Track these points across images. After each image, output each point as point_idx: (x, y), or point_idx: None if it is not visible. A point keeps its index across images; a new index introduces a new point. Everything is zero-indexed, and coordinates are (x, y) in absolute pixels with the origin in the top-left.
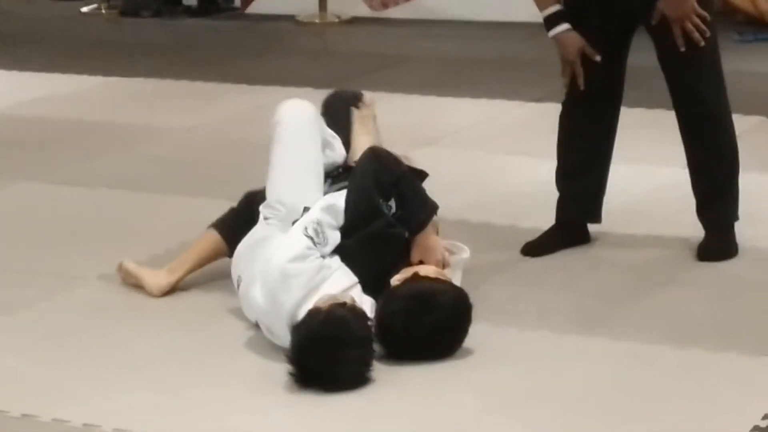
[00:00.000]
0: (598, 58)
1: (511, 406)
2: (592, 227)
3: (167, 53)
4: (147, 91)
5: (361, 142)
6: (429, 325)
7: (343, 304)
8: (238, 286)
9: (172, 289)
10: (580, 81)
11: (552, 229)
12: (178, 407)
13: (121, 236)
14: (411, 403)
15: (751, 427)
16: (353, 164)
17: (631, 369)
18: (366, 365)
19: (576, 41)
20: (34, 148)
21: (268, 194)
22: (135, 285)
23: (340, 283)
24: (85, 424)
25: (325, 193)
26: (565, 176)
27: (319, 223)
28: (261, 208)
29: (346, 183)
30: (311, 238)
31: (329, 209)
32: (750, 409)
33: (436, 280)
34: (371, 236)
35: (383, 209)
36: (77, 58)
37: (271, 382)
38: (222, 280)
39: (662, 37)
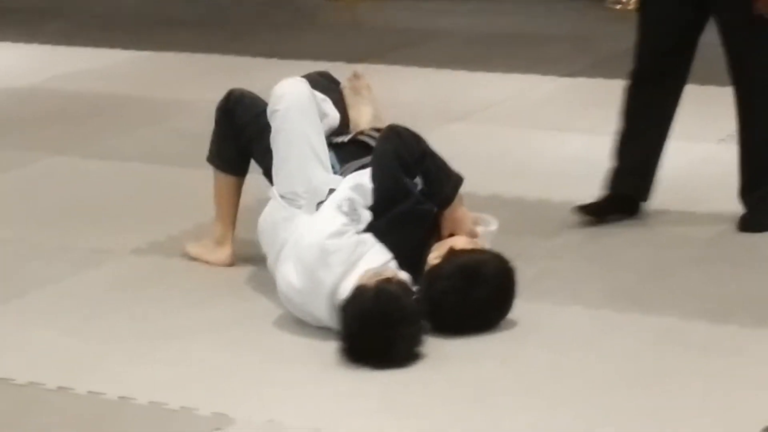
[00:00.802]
0: None
1: (543, 382)
2: None
3: (198, 27)
4: (177, 65)
5: (363, 113)
6: (481, 299)
7: (390, 280)
8: (268, 258)
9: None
10: None
11: (605, 198)
12: (212, 381)
13: (152, 210)
14: (444, 376)
15: None
16: (359, 135)
17: (664, 345)
18: (418, 341)
19: None
20: (65, 122)
21: (280, 184)
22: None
23: (377, 259)
24: (120, 397)
25: (333, 167)
26: (620, 150)
27: (351, 200)
28: (276, 192)
29: (359, 161)
30: (347, 215)
31: (358, 188)
32: None
33: (473, 251)
34: (402, 215)
35: (411, 187)
36: (108, 32)
37: (305, 355)
38: (254, 253)
39: (730, 13)
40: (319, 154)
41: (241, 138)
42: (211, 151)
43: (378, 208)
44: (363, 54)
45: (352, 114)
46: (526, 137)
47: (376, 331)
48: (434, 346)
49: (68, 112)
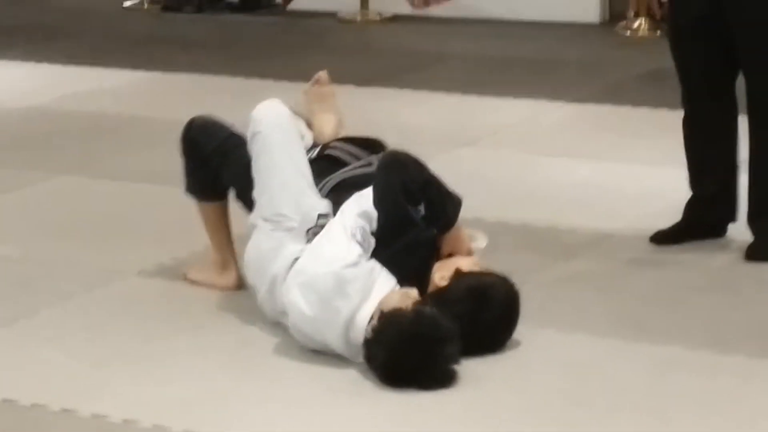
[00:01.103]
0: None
1: (548, 408)
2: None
3: (208, 49)
4: (188, 86)
5: (326, 121)
6: (491, 321)
7: (422, 303)
8: (257, 293)
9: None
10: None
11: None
12: (216, 404)
13: (161, 232)
14: (450, 400)
15: None
16: (327, 150)
17: (670, 374)
18: (457, 360)
19: None
20: (73, 142)
21: (264, 207)
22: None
23: (387, 285)
24: (124, 420)
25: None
26: (692, 180)
27: (363, 229)
28: (256, 219)
29: (334, 176)
30: (360, 244)
31: (364, 215)
32: None
33: (481, 273)
34: (407, 246)
35: (415, 217)
36: (119, 52)
37: (309, 380)
38: None
39: (750, 40)
40: (304, 175)
41: (209, 165)
42: (186, 183)
43: (383, 238)
44: (372, 77)
45: (316, 122)
46: (534, 163)
47: (417, 352)
48: None
49: (76, 132)
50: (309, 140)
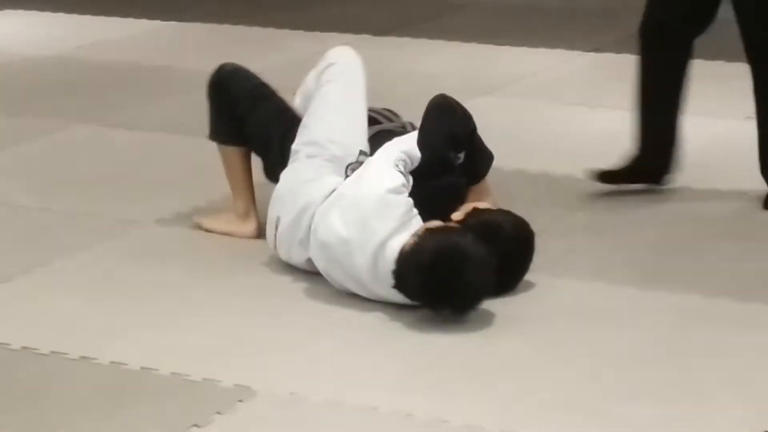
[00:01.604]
0: None
1: (567, 357)
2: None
3: None
4: (204, 35)
5: None
6: (502, 251)
7: (459, 227)
8: (276, 227)
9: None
10: None
11: (627, 167)
12: (234, 350)
13: (177, 181)
14: (467, 351)
15: None
16: (370, 112)
17: (688, 322)
18: (490, 287)
19: None
20: (92, 91)
21: (314, 131)
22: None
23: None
24: (142, 368)
25: None
26: (642, 127)
27: (406, 162)
28: (300, 145)
29: (371, 129)
30: (403, 174)
31: (409, 154)
32: None
33: (496, 211)
34: (440, 188)
35: (455, 163)
36: (135, 2)
37: (327, 327)
38: None
39: None
40: (362, 117)
41: (236, 111)
42: (211, 128)
43: (420, 177)
44: (389, 26)
45: None
46: (552, 112)
47: (457, 264)
48: (458, 321)
49: (94, 81)
50: None
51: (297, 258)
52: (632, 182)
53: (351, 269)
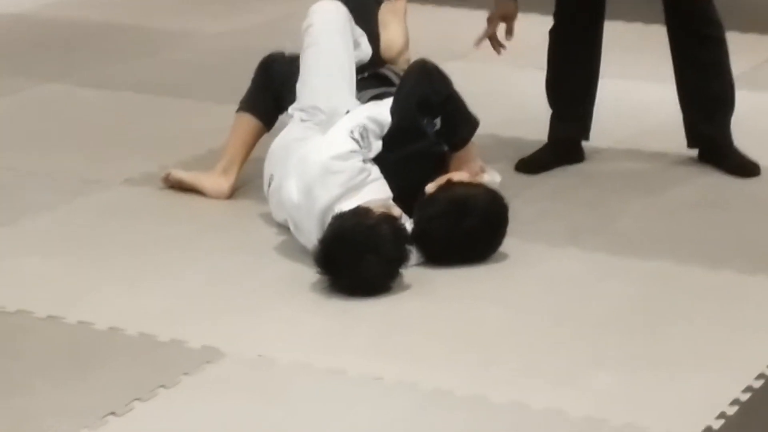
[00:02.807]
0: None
1: (538, 321)
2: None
3: None
4: None
5: (396, 35)
6: (467, 228)
7: (393, 219)
8: (269, 185)
9: (199, 192)
10: (495, 45)
11: (546, 147)
12: (202, 312)
13: (147, 141)
14: (437, 315)
15: None
16: (380, 69)
17: (659, 289)
18: (386, 281)
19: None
20: (60, 49)
21: (302, 97)
22: (188, 190)
23: (378, 193)
24: (110, 328)
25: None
26: (556, 95)
27: (365, 128)
28: (293, 109)
29: (377, 90)
30: (357, 141)
31: (375, 120)
32: None
33: (469, 184)
34: (412, 154)
35: (427, 129)
36: None
37: (297, 288)
38: (248, 184)
39: None
40: (346, 75)
41: (275, 92)
42: (241, 100)
43: (390, 143)
44: None
45: (385, 35)
46: (525, 77)
47: (346, 254)
48: (427, 284)
49: (63, 40)
50: (365, 55)
51: (281, 217)
52: (557, 164)
53: (306, 233)
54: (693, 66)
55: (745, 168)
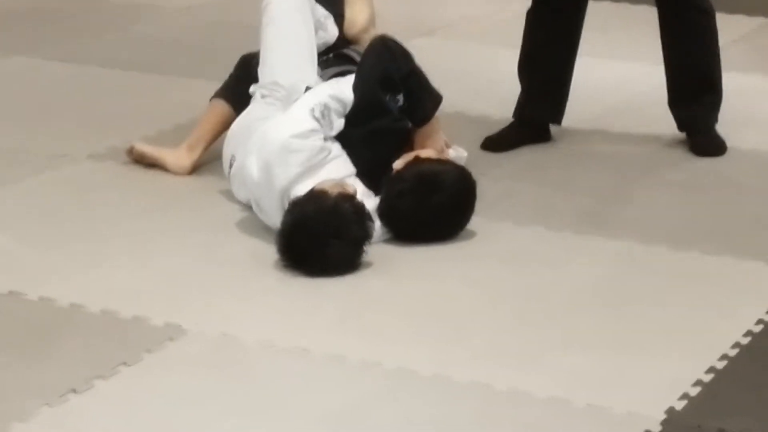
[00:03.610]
0: None
1: (504, 301)
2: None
3: None
4: None
5: (360, 13)
6: (435, 204)
7: (351, 198)
8: (230, 165)
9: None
10: None
11: (513, 126)
12: (165, 289)
13: (114, 116)
14: (403, 293)
15: (744, 331)
16: (344, 50)
17: (625, 269)
18: (353, 261)
19: None
20: (28, 23)
21: (262, 75)
22: (151, 165)
23: (339, 171)
24: (72, 304)
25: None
26: (529, 78)
27: (326, 107)
28: (255, 88)
29: (340, 68)
30: (317, 120)
31: (337, 98)
32: (743, 313)
33: (437, 160)
34: (375, 131)
35: (389, 105)
36: None
37: (262, 266)
38: (213, 161)
39: None
40: (306, 52)
41: (251, 82)
42: (220, 88)
43: (354, 120)
44: None
45: (348, 12)
46: (493, 55)
47: (310, 239)
48: (392, 263)
49: (30, 14)
50: (330, 37)
51: (244, 198)
52: (522, 142)
53: (267, 211)
54: (681, 45)
55: (709, 147)
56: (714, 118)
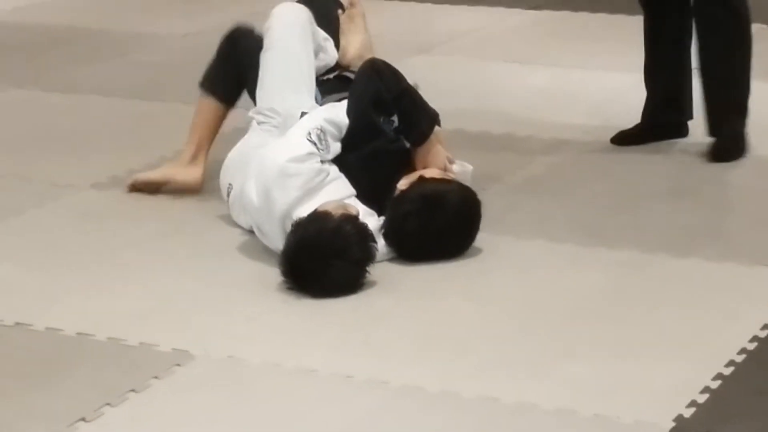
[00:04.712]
0: None
1: (507, 314)
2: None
3: None
4: None
5: (352, 42)
6: (440, 225)
7: (354, 219)
8: (228, 194)
9: (161, 193)
10: None
11: (641, 126)
12: (171, 314)
13: (114, 144)
14: (406, 309)
15: (750, 336)
16: (345, 71)
17: (627, 278)
18: (356, 282)
19: None
20: (26, 54)
21: (260, 101)
22: (155, 191)
23: (338, 192)
24: (78, 333)
25: (317, 100)
26: (651, 80)
27: (322, 131)
28: (252, 113)
29: (339, 94)
30: (314, 144)
31: (332, 122)
32: (749, 318)
33: (442, 180)
34: (372, 153)
35: (383, 127)
36: None
37: (265, 288)
38: (213, 184)
39: None
40: (304, 78)
41: (239, 66)
42: (204, 75)
43: (350, 144)
44: None
45: (342, 41)
46: (490, 70)
47: (312, 261)
48: (395, 280)
49: (29, 44)
50: (330, 59)
51: (245, 224)
52: (654, 139)
53: (269, 235)
54: (715, 47)
55: (720, 153)
56: (740, 123)
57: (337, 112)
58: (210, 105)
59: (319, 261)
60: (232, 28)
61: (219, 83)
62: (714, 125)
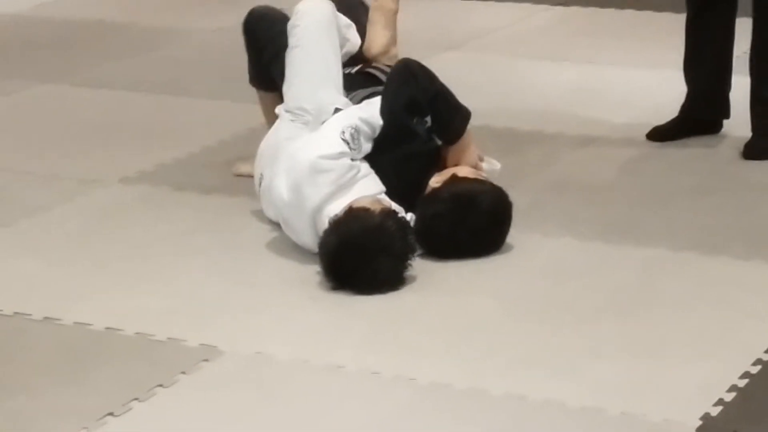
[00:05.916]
0: None
1: (534, 312)
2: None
3: None
4: None
5: (380, 35)
6: (471, 226)
7: (394, 214)
8: (260, 184)
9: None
10: None
11: (678, 120)
12: (199, 310)
13: (142, 139)
14: (434, 307)
15: None
16: (368, 67)
17: (656, 276)
18: (401, 276)
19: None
20: (54, 50)
21: (289, 98)
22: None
23: (369, 189)
24: (107, 328)
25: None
26: (692, 75)
27: (356, 130)
28: (281, 109)
29: (366, 91)
30: (347, 143)
31: (367, 122)
32: None
33: (474, 180)
34: (405, 156)
35: (416, 129)
36: None
37: (294, 285)
38: (244, 181)
39: None
40: (332, 74)
41: (262, 57)
42: (249, 71)
43: (383, 145)
44: None
45: (369, 34)
46: (520, 67)
47: (356, 259)
48: (424, 277)
49: (57, 40)
50: (353, 47)
51: (273, 215)
52: (689, 134)
53: (297, 231)
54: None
55: (758, 150)
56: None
57: (372, 112)
58: (264, 97)
59: (365, 257)
60: (246, 18)
61: (257, 77)
62: (759, 121)
